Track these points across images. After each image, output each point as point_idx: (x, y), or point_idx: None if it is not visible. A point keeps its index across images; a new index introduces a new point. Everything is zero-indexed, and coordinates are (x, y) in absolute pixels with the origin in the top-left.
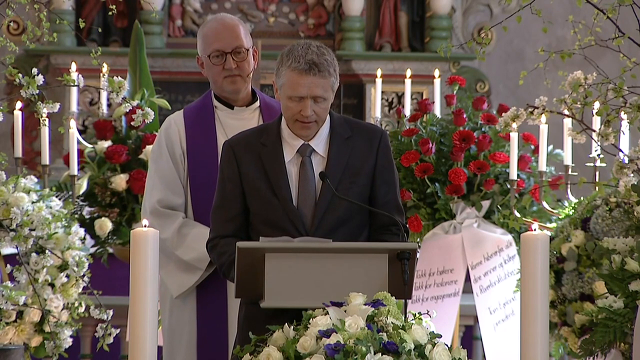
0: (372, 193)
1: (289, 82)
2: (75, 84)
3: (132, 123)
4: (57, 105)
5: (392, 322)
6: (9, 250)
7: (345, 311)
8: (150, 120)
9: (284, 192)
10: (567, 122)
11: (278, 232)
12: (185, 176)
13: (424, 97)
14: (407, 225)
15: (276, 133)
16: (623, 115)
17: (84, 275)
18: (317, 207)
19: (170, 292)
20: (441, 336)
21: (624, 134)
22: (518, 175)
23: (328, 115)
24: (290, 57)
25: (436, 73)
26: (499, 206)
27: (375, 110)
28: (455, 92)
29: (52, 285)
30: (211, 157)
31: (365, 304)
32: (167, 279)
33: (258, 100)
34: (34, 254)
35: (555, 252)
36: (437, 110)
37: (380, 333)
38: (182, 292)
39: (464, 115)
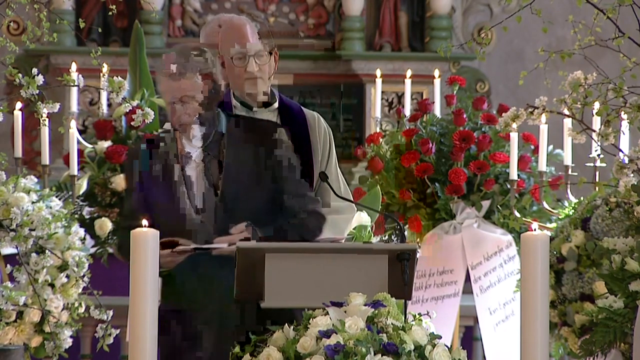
0: (277, 189)
1: (163, 88)
2: (75, 84)
3: (132, 123)
4: (57, 105)
5: (392, 323)
6: (9, 250)
7: (345, 312)
8: (150, 120)
9: (184, 196)
10: (567, 122)
11: (180, 237)
12: None
13: (424, 97)
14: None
15: (174, 139)
16: (623, 115)
17: (84, 276)
18: (217, 210)
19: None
20: (441, 337)
21: (624, 134)
22: (518, 175)
23: (224, 117)
24: (160, 67)
25: (436, 73)
26: (499, 206)
27: (375, 110)
28: (455, 92)
29: (52, 285)
30: None
31: (365, 305)
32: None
33: (277, 101)
34: (34, 254)
35: (555, 252)
36: (437, 110)
37: (380, 334)
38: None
39: (464, 115)
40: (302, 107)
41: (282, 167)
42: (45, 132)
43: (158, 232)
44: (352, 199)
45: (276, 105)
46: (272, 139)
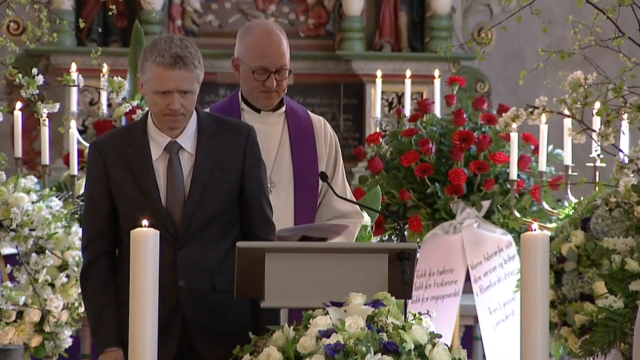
0: (241, 190)
1: (154, 77)
2: (75, 84)
3: None
4: (57, 105)
5: (392, 322)
6: (9, 250)
7: (345, 311)
8: None
9: (152, 191)
10: (567, 122)
11: None
12: None
13: (424, 97)
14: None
15: (142, 131)
16: (623, 115)
17: None
18: (186, 205)
19: None
20: (441, 336)
21: (624, 134)
22: (518, 175)
23: (194, 112)
24: (154, 52)
25: (436, 73)
26: (499, 206)
27: (375, 110)
28: (455, 92)
29: (52, 285)
30: None
31: (365, 304)
32: None
33: (284, 106)
34: (34, 254)
35: (555, 252)
36: (437, 110)
37: (380, 333)
38: None
39: (464, 115)
40: (309, 112)
41: (251, 167)
42: (45, 132)
43: (157, 232)
44: (358, 208)
45: (283, 109)
46: (245, 138)
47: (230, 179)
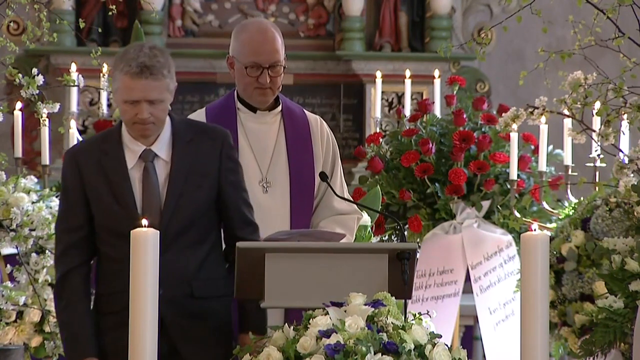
0: (219, 195)
1: (122, 86)
2: (75, 84)
3: None
4: (57, 105)
5: (392, 322)
6: (9, 250)
7: (345, 311)
8: None
9: (127, 200)
10: (567, 122)
11: (123, 240)
12: None
13: (424, 97)
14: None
15: (117, 139)
16: (623, 115)
17: None
18: (162, 212)
19: None
20: (441, 336)
21: (624, 134)
22: (518, 175)
23: (168, 119)
24: (122, 61)
25: (436, 73)
26: (499, 206)
27: (375, 110)
28: (455, 92)
29: (52, 285)
30: None
31: (365, 304)
32: None
33: (280, 105)
34: (34, 254)
35: (555, 252)
36: (437, 110)
37: (380, 333)
38: None
39: (464, 116)
40: (305, 110)
41: (227, 172)
42: (45, 132)
43: (158, 231)
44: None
45: (279, 108)
46: (220, 143)
47: (207, 185)
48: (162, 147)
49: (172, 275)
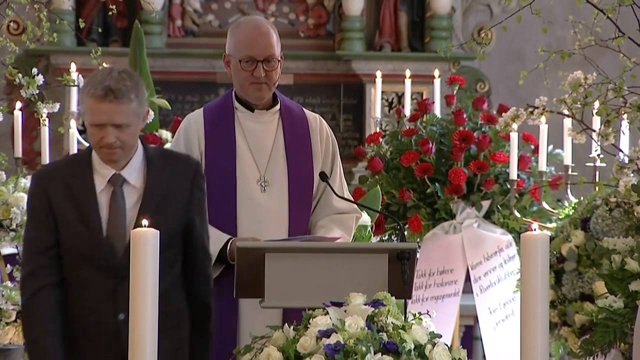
0: (187, 224)
1: (89, 109)
2: (75, 84)
3: None
4: (57, 105)
5: (392, 322)
6: (9, 250)
7: (345, 311)
8: (150, 120)
9: (94, 223)
10: (567, 122)
11: (88, 265)
12: None
13: (424, 97)
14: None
15: (87, 163)
16: (623, 115)
17: None
18: (129, 238)
19: None
20: (441, 336)
21: (624, 134)
22: (518, 175)
23: (141, 145)
24: (89, 84)
25: (436, 73)
26: (499, 206)
27: (375, 110)
28: (455, 92)
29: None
30: (228, 160)
31: (365, 304)
32: None
33: (279, 104)
34: None
35: (555, 252)
36: (437, 110)
37: (380, 333)
38: None
39: (464, 115)
40: (304, 109)
41: (197, 202)
42: (45, 132)
43: (158, 232)
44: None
45: (277, 107)
46: (193, 173)
47: (176, 214)
48: (132, 172)
49: None
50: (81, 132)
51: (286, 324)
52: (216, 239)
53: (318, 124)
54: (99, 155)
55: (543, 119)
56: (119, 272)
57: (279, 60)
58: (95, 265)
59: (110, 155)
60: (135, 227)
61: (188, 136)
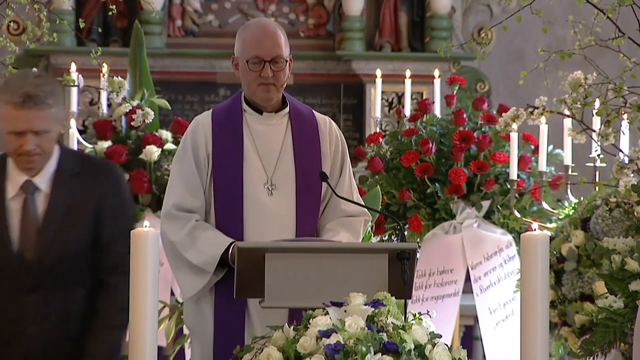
0: (97, 233)
1: (6, 117)
2: (75, 84)
3: (132, 123)
4: None
5: (392, 322)
6: None
7: (345, 311)
8: (150, 120)
9: (2, 233)
10: (567, 122)
11: None
12: (208, 180)
13: (424, 97)
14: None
15: (1, 169)
16: (623, 115)
17: None
18: (37, 249)
19: (182, 293)
20: (441, 336)
21: (624, 134)
22: (518, 175)
23: (58, 151)
24: (6, 90)
25: (436, 73)
26: (499, 206)
27: (375, 110)
28: (455, 92)
29: None
30: (235, 162)
31: (365, 304)
32: (178, 281)
33: (288, 106)
34: None
35: (555, 252)
36: (437, 110)
37: (380, 333)
38: (193, 294)
39: (464, 115)
40: (314, 112)
41: (110, 209)
42: None
43: (158, 232)
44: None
45: (286, 110)
46: (105, 177)
47: (86, 222)
48: (44, 179)
49: (44, 315)
50: (81, 132)
51: (286, 324)
52: (218, 243)
53: (328, 126)
54: (17, 163)
55: (543, 119)
56: (27, 284)
57: (286, 61)
58: (4, 274)
59: (29, 163)
60: (42, 236)
61: (195, 138)
